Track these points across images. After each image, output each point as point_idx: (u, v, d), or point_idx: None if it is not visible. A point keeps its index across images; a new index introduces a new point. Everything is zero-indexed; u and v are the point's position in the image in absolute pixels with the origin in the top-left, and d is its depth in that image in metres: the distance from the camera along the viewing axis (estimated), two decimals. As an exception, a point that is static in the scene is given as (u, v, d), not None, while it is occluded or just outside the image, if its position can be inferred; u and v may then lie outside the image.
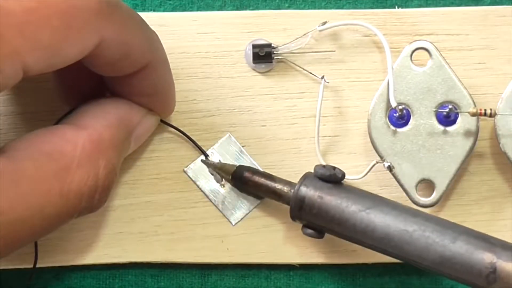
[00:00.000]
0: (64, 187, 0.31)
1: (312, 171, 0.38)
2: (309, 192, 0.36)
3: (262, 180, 0.38)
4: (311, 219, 0.36)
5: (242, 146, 0.40)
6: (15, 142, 0.32)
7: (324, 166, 0.37)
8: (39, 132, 0.32)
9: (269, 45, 0.40)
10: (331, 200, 0.36)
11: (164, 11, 0.42)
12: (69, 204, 0.32)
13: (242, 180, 0.39)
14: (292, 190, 0.37)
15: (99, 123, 0.34)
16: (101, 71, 0.34)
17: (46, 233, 0.32)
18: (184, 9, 0.42)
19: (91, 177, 0.32)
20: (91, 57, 0.31)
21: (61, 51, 0.29)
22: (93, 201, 0.33)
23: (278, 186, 0.38)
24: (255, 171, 0.39)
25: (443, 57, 0.38)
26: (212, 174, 0.40)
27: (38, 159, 0.31)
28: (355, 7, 0.42)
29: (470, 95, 0.38)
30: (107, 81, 0.36)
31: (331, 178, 0.37)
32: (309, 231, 0.37)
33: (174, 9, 0.42)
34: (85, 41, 0.30)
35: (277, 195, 0.38)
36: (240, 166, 0.39)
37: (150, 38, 0.34)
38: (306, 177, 0.37)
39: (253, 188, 0.39)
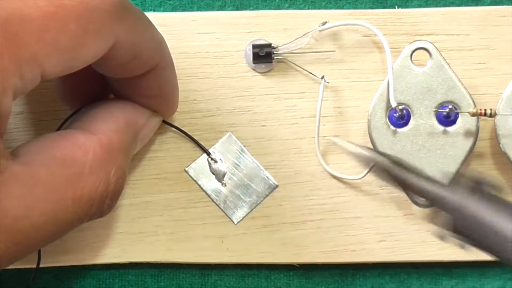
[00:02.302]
0: (76, 193, 0.31)
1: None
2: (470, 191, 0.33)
3: (406, 174, 0.35)
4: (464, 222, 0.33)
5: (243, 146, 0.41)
6: (27, 146, 0.32)
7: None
8: (50, 137, 0.32)
9: (269, 45, 0.40)
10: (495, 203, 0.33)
11: (164, 11, 0.42)
12: (80, 210, 0.32)
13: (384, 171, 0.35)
14: (444, 191, 0.34)
15: (108, 128, 0.34)
16: (111, 73, 0.34)
17: (57, 238, 0.32)
18: (184, 9, 0.42)
19: (102, 182, 0.32)
20: (103, 59, 0.31)
21: (78, 55, 0.30)
22: (104, 206, 0.33)
23: (424, 182, 0.34)
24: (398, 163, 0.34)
25: (443, 57, 0.38)
26: (213, 174, 0.40)
27: (51, 165, 0.31)
28: (355, 7, 0.42)
29: (470, 95, 0.38)
30: (112, 82, 0.36)
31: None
32: (457, 238, 0.34)
33: (174, 9, 0.42)
34: (101, 43, 0.30)
35: (423, 192, 0.34)
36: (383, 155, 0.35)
37: (159, 39, 0.34)
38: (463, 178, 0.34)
39: (396, 181, 0.36)
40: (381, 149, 0.38)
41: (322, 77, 0.40)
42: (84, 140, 0.32)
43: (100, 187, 0.32)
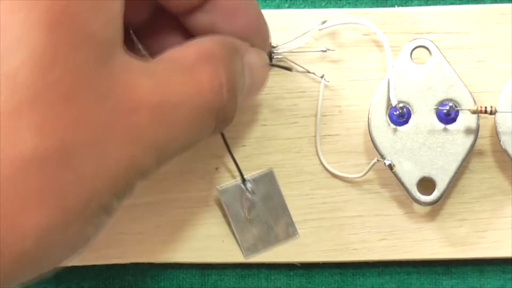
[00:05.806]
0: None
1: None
2: None
3: None
4: None
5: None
6: None
7: None
8: None
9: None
10: None
11: (164, 11, 0.42)
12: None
13: None
14: None
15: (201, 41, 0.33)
16: None
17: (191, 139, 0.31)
18: (184, 9, 0.42)
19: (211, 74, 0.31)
20: None
21: None
22: (223, 97, 0.31)
23: None
24: None
25: (443, 55, 0.38)
26: (241, 203, 0.40)
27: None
28: (355, 7, 0.42)
29: (470, 93, 0.38)
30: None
31: None
32: None
33: (174, 9, 0.42)
34: None
35: None
36: None
37: None
38: None
39: None
40: (381, 147, 0.38)
41: (322, 76, 0.40)
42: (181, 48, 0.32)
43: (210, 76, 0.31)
